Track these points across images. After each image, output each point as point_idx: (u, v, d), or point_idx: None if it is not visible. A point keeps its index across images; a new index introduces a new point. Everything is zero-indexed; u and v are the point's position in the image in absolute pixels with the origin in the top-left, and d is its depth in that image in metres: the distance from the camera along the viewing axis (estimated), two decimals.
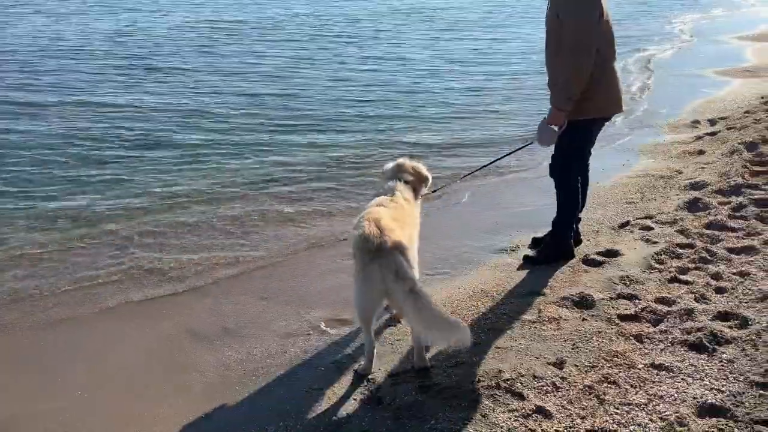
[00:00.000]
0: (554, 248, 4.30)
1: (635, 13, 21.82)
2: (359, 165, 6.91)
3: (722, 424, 2.53)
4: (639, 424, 2.61)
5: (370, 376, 3.21)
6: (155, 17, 17.57)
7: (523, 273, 4.26)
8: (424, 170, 3.74)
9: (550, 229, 4.39)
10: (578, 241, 4.45)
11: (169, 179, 6.40)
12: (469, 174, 5.25)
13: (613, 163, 6.61)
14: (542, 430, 2.64)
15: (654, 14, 22.11)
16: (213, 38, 14.75)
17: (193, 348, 3.66)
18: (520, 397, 2.86)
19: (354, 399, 3.07)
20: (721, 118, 7.88)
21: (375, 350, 3.27)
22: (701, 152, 6.54)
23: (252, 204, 5.83)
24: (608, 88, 3.89)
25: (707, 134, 7.22)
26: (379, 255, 2.94)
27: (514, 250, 4.67)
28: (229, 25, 16.40)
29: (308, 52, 13.32)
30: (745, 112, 7.88)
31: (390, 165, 3.75)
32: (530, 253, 4.45)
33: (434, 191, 4.27)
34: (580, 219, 4.49)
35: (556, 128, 3.79)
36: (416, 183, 3.66)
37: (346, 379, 3.25)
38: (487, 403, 2.85)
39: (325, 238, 5.13)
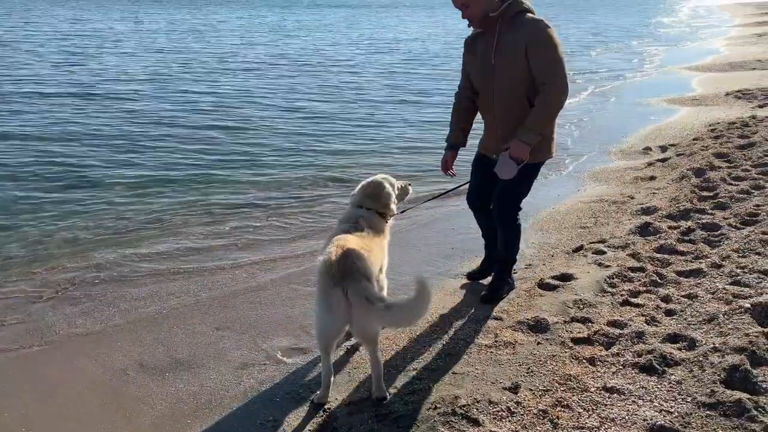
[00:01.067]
0: (505, 283, 4.23)
1: (593, 43, 22.57)
2: (309, 196, 6.95)
3: None
4: None
5: (326, 406, 3.16)
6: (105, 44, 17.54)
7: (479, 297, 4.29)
8: (385, 194, 3.67)
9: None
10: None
11: (120, 210, 6.32)
12: (430, 199, 5.33)
13: (568, 189, 6.78)
14: None
15: (607, 45, 22.93)
16: (168, 68, 14.77)
17: (144, 380, 3.55)
18: (476, 423, 2.85)
19: (309, 430, 3.02)
20: (672, 145, 8.17)
21: (332, 378, 3.23)
22: (653, 178, 6.75)
23: (205, 237, 5.75)
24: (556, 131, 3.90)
25: (658, 160, 7.46)
26: (343, 280, 2.93)
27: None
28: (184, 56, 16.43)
29: (262, 82, 13.45)
30: (693, 139, 8.19)
31: (358, 188, 3.73)
32: (485, 292, 4.23)
33: (402, 211, 4.25)
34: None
35: (516, 163, 3.68)
36: (382, 207, 3.65)
37: (302, 410, 3.19)
38: (442, 430, 2.84)
39: (284, 267, 5.08)
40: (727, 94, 11.87)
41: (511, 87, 3.68)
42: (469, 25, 3.79)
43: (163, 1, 54.25)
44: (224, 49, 18.83)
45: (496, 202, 3.98)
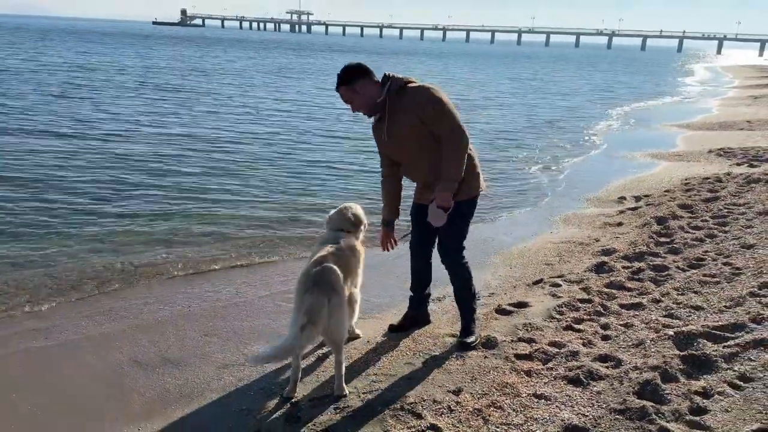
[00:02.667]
0: (473, 322, 4.33)
1: (584, 104, 23.42)
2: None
3: None
4: None
5: (293, 399, 3.63)
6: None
7: (444, 318, 4.77)
8: (363, 217, 4.19)
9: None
10: (427, 321, 4.60)
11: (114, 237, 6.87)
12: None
13: (542, 229, 7.31)
14: None
15: (595, 103, 23.78)
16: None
17: (136, 374, 4.03)
18: (419, 416, 3.31)
19: (277, 418, 3.48)
20: (645, 196, 8.72)
21: (299, 376, 3.71)
22: (620, 224, 7.27)
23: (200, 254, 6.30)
24: (478, 165, 4.07)
25: (629, 209, 7.99)
26: (316, 287, 3.45)
27: (441, 300, 5.20)
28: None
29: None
30: (665, 191, 8.74)
31: (333, 212, 4.20)
32: (463, 339, 4.24)
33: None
34: (429, 295, 4.63)
35: (444, 211, 3.86)
36: (356, 230, 4.15)
37: (273, 402, 3.65)
38: (390, 421, 3.30)
39: (270, 286, 5.59)
40: (710, 151, 12.47)
41: (419, 152, 3.90)
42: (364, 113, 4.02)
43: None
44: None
45: (439, 249, 4.17)
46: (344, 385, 3.65)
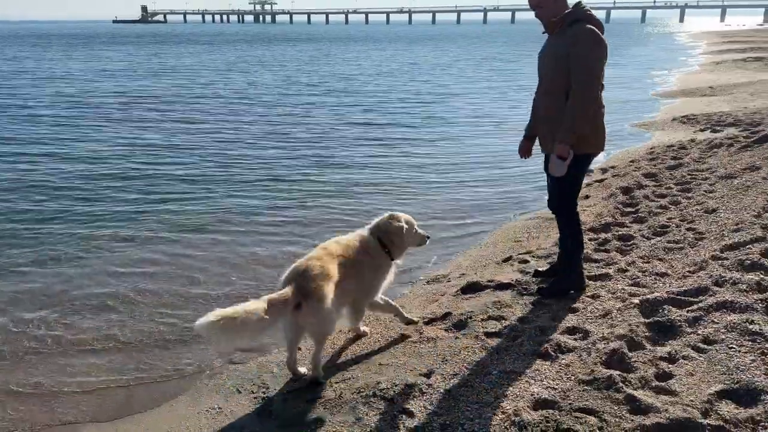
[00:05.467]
0: (569, 279, 4.48)
1: None
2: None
3: (549, 413, 3.04)
4: (483, 417, 3.10)
5: (265, 395, 3.61)
6: None
7: (416, 301, 4.79)
8: (395, 227, 3.97)
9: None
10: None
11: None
12: None
13: (511, 208, 7.34)
14: (404, 426, 3.10)
15: None
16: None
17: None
18: (391, 402, 3.32)
19: (248, 414, 3.46)
20: (611, 167, 8.81)
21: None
22: (587, 197, 7.34)
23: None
24: (604, 126, 4.14)
25: (596, 181, 8.08)
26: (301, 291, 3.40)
27: (413, 283, 5.21)
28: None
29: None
30: (630, 161, 8.84)
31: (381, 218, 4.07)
32: (543, 284, 4.56)
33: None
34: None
35: (563, 161, 3.97)
36: (387, 238, 3.97)
37: (245, 398, 3.63)
38: (362, 408, 3.29)
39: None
40: (674, 119, 12.67)
41: (552, 89, 4.07)
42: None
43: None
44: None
45: (551, 197, 4.41)
46: (320, 369, 3.70)
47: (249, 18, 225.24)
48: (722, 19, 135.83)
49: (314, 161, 10.44)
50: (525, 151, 4.57)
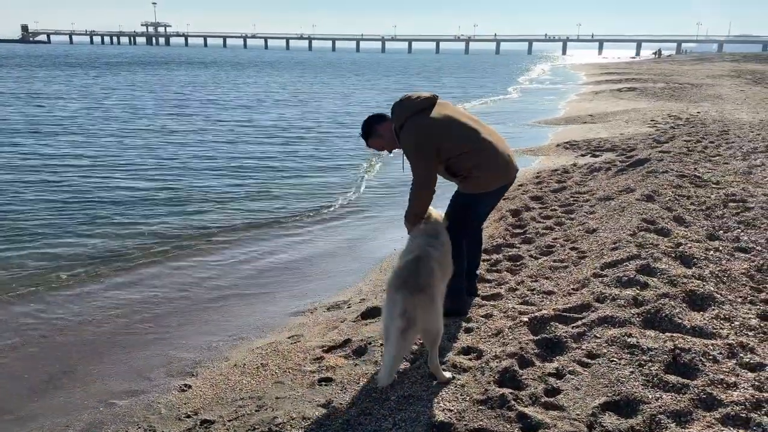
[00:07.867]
0: (452, 302, 4.42)
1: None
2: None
3: None
4: None
5: None
6: None
7: (315, 329, 4.71)
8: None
9: None
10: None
11: None
12: None
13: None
14: None
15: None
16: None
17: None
18: None
19: None
20: None
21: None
22: None
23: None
24: (488, 164, 4.27)
25: None
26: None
27: (312, 312, 5.14)
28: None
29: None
30: (519, 185, 9.29)
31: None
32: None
33: None
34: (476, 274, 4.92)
35: None
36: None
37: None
38: None
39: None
40: (558, 145, 13.50)
41: None
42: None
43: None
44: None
45: None
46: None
47: (141, 40, 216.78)
48: (600, 52, 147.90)
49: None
50: None
